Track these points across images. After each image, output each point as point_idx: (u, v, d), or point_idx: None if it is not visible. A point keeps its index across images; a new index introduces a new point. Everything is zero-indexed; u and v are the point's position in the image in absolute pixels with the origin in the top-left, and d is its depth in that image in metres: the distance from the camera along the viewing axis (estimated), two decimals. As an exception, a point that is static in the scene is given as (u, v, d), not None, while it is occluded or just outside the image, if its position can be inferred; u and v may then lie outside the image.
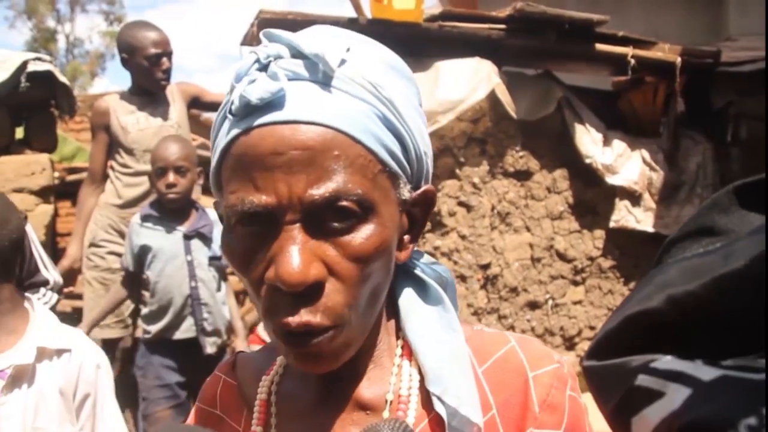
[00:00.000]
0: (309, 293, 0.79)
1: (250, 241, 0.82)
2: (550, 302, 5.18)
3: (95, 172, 4.24)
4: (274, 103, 0.79)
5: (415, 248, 0.96)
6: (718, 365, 0.65)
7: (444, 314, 0.94)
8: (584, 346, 5.23)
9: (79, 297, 4.56)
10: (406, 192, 0.87)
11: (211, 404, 1.04)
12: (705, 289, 0.67)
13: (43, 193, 4.21)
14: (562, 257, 5.21)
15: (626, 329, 0.74)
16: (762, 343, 0.63)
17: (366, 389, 0.93)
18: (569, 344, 5.28)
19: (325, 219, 0.79)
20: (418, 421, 0.90)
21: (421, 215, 0.92)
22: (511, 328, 5.05)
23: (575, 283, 5.29)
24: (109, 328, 4.14)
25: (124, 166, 4.15)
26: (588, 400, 0.96)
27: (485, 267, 4.97)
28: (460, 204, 4.86)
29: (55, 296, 3.04)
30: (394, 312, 0.96)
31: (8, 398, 1.87)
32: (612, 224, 5.26)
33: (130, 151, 4.12)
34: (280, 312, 0.80)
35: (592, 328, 5.33)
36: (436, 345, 0.91)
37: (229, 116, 0.82)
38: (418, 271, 0.96)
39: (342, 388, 0.93)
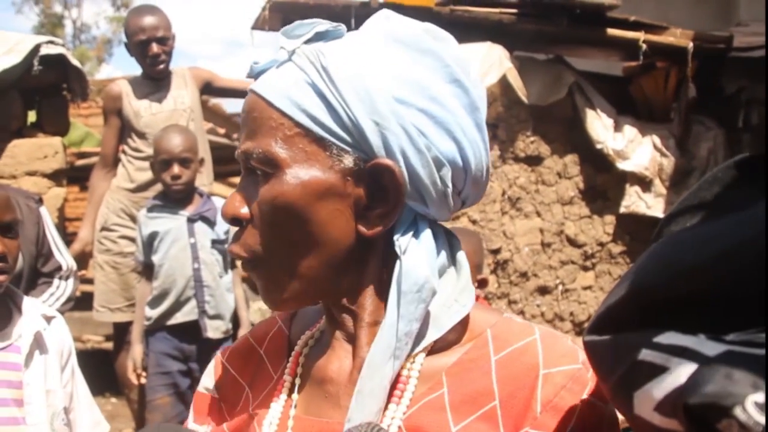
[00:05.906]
0: (242, 228, 0.94)
1: None
2: (560, 287, 5.18)
3: (107, 156, 4.26)
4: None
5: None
6: (722, 340, 0.64)
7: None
8: (594, 331, 5.21)
9: (90, 281, 4.57)
10: (349, 161, 0.88)
11: (259, 342, 1.08)
12: (709, 261, 0.67)
13: (56, 176, 4.22)
14: (573, 242, 5.21)
15: (628, 304, 0.73)
16: (765, 317, 0.63)
17: None
18: (579, 330, 5.28)
19: (254, 171, 0.93)
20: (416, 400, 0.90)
21: (382, 191, 0.89)
22: (521, 313, 5.05)
23: (585, 269, 5.29)
24: (121, 312, 4.17)
25: (136, 150, 4.16)
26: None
27: (496, 252, 4.97)
28: (471, 189, 4.86)
29: (70, 286, 3.05)
30: None
31: (31, 365, 1.99)
32: (622, 210, 5.24)
33: (142, 135, 4.13)
34: None
35: (601, 313, 5.31)
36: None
37: None
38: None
39: (360, 360, 0.92)
